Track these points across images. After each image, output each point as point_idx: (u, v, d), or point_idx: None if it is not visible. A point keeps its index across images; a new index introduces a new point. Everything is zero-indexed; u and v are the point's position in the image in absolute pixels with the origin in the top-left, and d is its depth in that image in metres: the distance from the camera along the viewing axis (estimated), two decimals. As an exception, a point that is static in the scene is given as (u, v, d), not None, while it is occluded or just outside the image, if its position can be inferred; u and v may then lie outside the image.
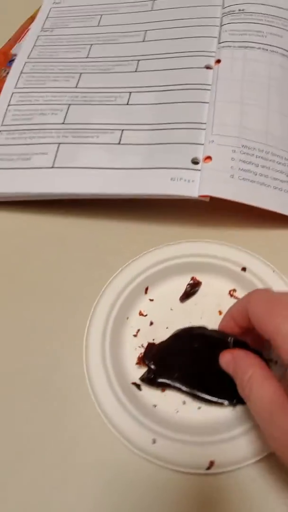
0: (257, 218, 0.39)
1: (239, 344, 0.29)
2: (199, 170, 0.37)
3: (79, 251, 0.41)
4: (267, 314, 0.25)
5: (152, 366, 0.32)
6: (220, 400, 0.30)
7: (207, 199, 0.36)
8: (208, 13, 0.49)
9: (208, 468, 0.28)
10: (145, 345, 0.33)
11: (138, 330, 0.34)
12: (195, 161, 0.38)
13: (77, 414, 0.32)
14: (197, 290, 0.36)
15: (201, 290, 0.36)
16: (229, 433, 0.29)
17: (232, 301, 0.33)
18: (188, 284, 0.36)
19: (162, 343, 0.33)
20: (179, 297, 0.36)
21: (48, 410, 0.32)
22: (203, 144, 0.39)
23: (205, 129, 0.40)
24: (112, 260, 0.39)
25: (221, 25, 0.47)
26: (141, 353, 0.33)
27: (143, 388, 0.32)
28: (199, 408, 0.31)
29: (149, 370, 0.32)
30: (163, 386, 0.31)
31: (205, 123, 0.40)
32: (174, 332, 0.33)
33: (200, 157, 0.38)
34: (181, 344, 0.32)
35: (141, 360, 0.32)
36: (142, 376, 0.32)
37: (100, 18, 0.53)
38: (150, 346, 0.33)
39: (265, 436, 0.25)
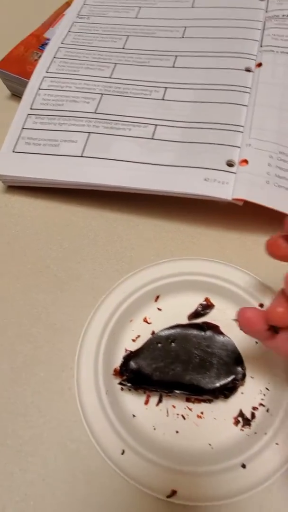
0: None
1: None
2: (234, 172, 0.36)
3: (101, 244, 0.40)
4: None
5: (127, 374, 0.31)
6: (202, 396, 0.30)
7: (241, 203, 0.35)
8: (250, 16, 0.48)
9: (169, 496, 0.27)
10: None
11: (138, 336, 0.34)
12: (230, 163, 0.37)
13: (58, 404, 0.32)
14: (208, 312, 0.34)
15: (212, 313, 0.34)
16: (199, 468, 0.28)
17: (240, 333, 0.28)
18: (200, 304, 0.35)
19: (136, 351, 0.32)
20: (188, 314, 0.34)
21: (31, 390, 0.32)
22: (239, 147, 0.38)
23: (242, 132, 0.39)
24: (133, 256, 0.39)
25: (264, 29, 0.46)
26: (117, 367, 0.32)
27: (127, 395, 0.31)
28: (177, 432, 0.30)
29: (126, 378, 0.31)
30: (144, 389, 0.31)
31: (242, 126, 0.39)
32: (149, 339, 0.33)
33: (236, 159, 0.37)
34: (157, 347, 0.32)
35: (118, 372, 0.32)
36: (122, 381, 0.31)
37: (139, 10, 0.52)
38: (126, 358, 0.32)
39: None
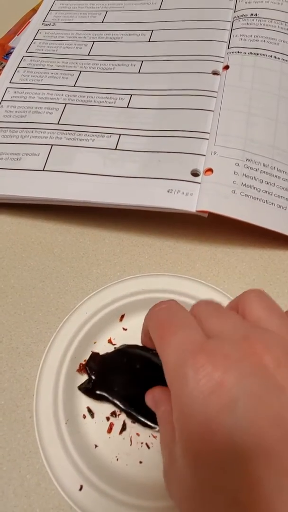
0: (259, 236, 0.37)
1: None
2: (199, 183, 0.35)
3: (66, 260, 0.38)
4: (158, 339, 0.21)
5: (93, 377, 0.30)
6: (153, 425, 0.29)
7: (205, 215, 0.34)
8: (219, 16, 0.47)
9: None
10: None
11: None
12: (195, 173, 0.35)
13: (18, 435, 0.30)
14: None
15: None
16: (162, 503, 0.26)
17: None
18: None
19: (106, 355, 0.31)
20: None
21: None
22: (204, 155, 0.36)
23: (208, 139, 0.37)
24: (99, 273, 0.37)
25: (232, 29, 0.45)
26: (85, 360, 0.31)
27: (89, 425, 0.30)
28: (140, 462, 0.28)
29: (89, 380, 0.30)
30: (101, 399, 0.30)
31: (208, 133, 0.37)
32: (120, 346, 0.32)
33: (201, 169, 0.35)
34: (125, 360, 0.31)
35: (83, 367, 0.31)
36: (81, 384, 0.30)
37: (105, 14, 0.51)
38: (94, 356, 0.31)
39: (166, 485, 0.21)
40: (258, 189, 0.34)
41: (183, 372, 0.17)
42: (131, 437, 0.29)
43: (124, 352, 0.31)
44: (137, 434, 0.29)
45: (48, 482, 0.28)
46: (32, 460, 0.29)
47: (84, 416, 0.30)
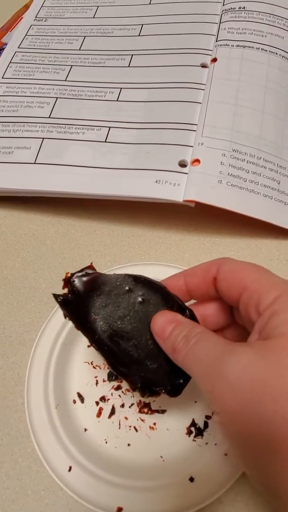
0: (246, 225, 0.37)
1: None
2: (186, 173, 0.35)
3: (58, 251, 0.39)
4: (248, 268, 0.23)
5: (76, 289, 0.25)
6: (130, 375, 0.24)
7: (192, 205, 0.34)
8: (208, 10, 0.47)
9: None
10: (96, 363, 0.31)
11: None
12: (182, 164, 0.36)
13: (10, 420, 0.31)
14: None
15: None
16: (149, 482, 0.27)
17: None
18: None
19: (102, 275, 0.26)
20: None
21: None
22: (192, 146, 0.37)
23: (195, 130, 0.38)
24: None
25: (220, 23, 0.45)
26: (69, 272, 0.25)
27: (79, 409, 0.30)
28: (128, 445, 0.29)
29: (72, 291, 0.25)
30: (76, 322, 0.25)
31: (196, 124, 0.38)
32: (124, 274, 0.26)
33: (188, 159, 0.36)
34: (126, 288, 0.25)
35: (66, 280, 0.25)
36: (60, 294, 0.25)
37: (97, 9, 0.51)
38: (87, 269, 0.26)
39: (211, 390, 0.20)
40: (245, 179, 0.35)
41: None
42: (119, 421, 0.30)
43: (130, 279, 0.26)
44: (126, 418, 0.30)
45: (39, 464, 0.29)
46: (24, 444, 0.30)
47: (74, 401, 0.30)
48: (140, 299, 0.25)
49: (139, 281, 0.25)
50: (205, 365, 0.20)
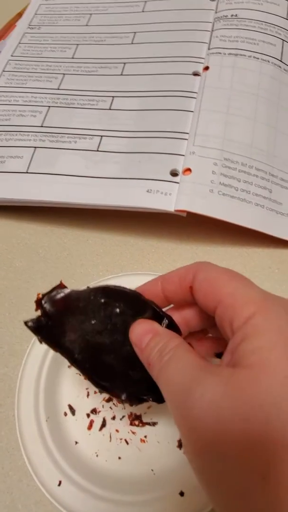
0: (238, 234, 0.37)
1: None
2: (178, 182, 0.35)
3: (51, 261, 0.39)
4: (224, 279, 0.21)
5: (48, 310, 0.24)
6: (115, 389, 0.24)
7: (184, 214, 0.34)
8: (201, 18, 0.47)
9: None
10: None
11: None
12: (174, 173, 0.36)
13: (1, 433, 0.30)
14: None
15: None
16: (139, 497, 0.26)
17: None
18: None
19: (75, 292, 0.25)
20: None
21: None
22: (183, 155, 0.37)
23: (187, 139, 0.37)
24: (82, 273, 0.38)
25: (213, 30, 0.45)
26: (40, 294, 0.24)
27: (70, 422, 0.29)
28: (119, 458, 0.28)
29: (44, 313, 0.24)
30: (53, 346, 0.24)
31: (187, 133, 0.38)
32: (96, 287, 0.25)
33: (180, 169, 0.36)
34: (101, 301, 0.24)
35: (37, 302, 0.24)
36: (31, 319, 0.24)
37: (90, 17, 0.51)
38: (58, 288, 0.25)
39: (178, 420, 0.19)
40: (236, 188, 0.35)
41: None
42: (110, 433, 0.29)
43: (104, 292, 0.25)
44: (117, 431, 0.30)
45: (30, 478, 0.28)
46: (15, 457, 0.30)
47: (65, 414, 0.30)
48: (116, 310, 0.24)
49: (113, 292, 0.25)
50: (174, 393, 0.19)
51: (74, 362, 0.24)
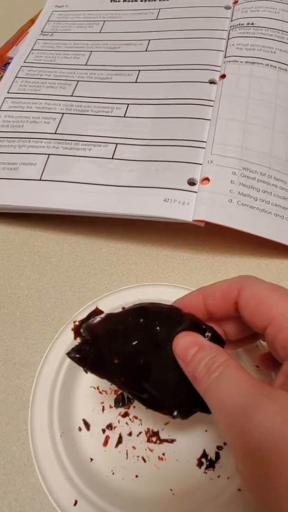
0: (256, 245, 0.36)
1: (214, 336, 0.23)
2: (196, 192, 0.34)
3: (63, 270, 0.38)
4: (274, 298, 0.21)
5: (88, 337, 0.24)
6: (165, 406, 0.23)
7: (202, 224, 0.33)
8: (216, 25, 0.47)
9: None
10: (102, 388, 0.30)
11: None
12: (191, 182, 0.35)
13: (13, 448, 0.30)
14: None
15: None
16: None
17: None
18: None
19: (112, 315, 0.25)
20: None
21: None
22: (201, 164, 0.36)
23: (204, 148, 0.37)
24: (95, 282, 0.37)
25: (228, 39, 0.45)
26: (76, 321, 0.24)
27: (84, 437, 0.28)
28: (136, 476, 0.27)
29: (84, 341, 0.24)
30: (99, 373, 0.24)
31: (205, 142, 0.37)
32: (132, 307, 0.25)
33: (198, 178, 0.35)
34: (141, 322, 0.24)
35: (75, 330, 0.24)
36: (73, 349, 0.24)
37: (103, 24, 0.51)
38: (95, 313, 0.24)
39: (233, 442, 0.19)
40: (255, 198, 0.34)
41: None
42: (127, 450, 0.28)
43: (141, 311, 0.24)
44: (133, 448, 0.29)
45: (43, 496, 0.28)
46: (27, 473, 0.29)
47: (80, 429, 0.29)
48: (157, 328, 0.23)
49: (150, 310, 0.24)
50: (228, 414, 0.19)
51: (123, 385, 0.23)
